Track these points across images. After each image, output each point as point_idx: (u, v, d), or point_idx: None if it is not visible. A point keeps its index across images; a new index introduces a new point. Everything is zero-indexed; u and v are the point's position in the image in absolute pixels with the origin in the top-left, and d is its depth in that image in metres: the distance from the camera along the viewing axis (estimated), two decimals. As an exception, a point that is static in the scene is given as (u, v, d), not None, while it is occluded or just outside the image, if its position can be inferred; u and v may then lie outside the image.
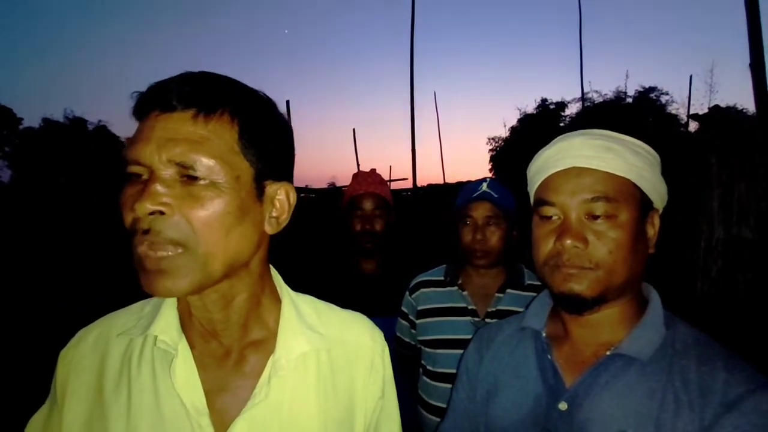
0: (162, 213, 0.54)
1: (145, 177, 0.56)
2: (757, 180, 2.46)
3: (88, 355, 0.66)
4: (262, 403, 0.63)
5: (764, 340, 2.34)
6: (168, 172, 0.55)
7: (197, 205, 0.56)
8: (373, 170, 1.95)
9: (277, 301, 0.73)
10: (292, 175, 0.71)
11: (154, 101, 0.57)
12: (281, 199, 0.66)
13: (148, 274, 0.55)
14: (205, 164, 0.56)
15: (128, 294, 0.75)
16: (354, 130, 12.85)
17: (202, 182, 0.56)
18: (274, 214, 0.66)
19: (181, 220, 0.55)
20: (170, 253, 0.55)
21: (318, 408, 0.68)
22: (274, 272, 0.75)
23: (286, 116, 0.69)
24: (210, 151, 0.56)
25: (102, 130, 18.94)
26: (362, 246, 1.80)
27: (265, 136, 0.63)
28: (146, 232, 0.54)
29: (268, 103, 0.65)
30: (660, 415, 0.66)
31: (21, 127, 20.12)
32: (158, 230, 0.54)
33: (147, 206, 0.53)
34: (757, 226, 2.45)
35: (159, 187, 0.54)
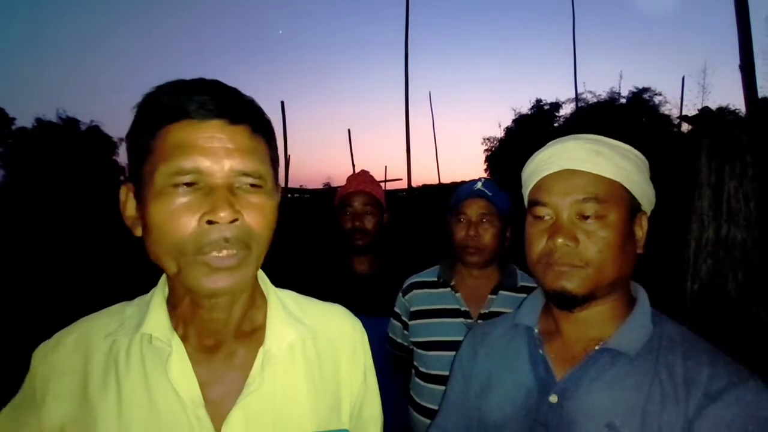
0: (236, 220, 0.59)
1: (199, 185, 0.59)
2: (747, 180, 2.49)
3: (68, 358, 0.66)
4: (256, 391, 0.66)
5: (753, 338, 2.37)
6: (233, 181, 0.61)
7: (259, 211, 0.62)
8: (364, 171, 1.97)
9: (263, 296, 0.76)
10: None
11: (216, 111, 0.60)
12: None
13: (215, 272, 0.59)
14: (261, 173, 0.63)
15: (124, 293, 0.76)
16: (349, 130, 12.88)
17: (260, 189, 0.63)
18: None
19: (248, 225, 0.61)
20: (240, 253, 0.60)
21: (308, 394, 0.71)
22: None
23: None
24: (264, 161, 0.65)
25: (95, 130, 18.83)
26: (353, 244, 1.81)
27: (275, 145, 0.71)
28: (227, 239, 0.59)
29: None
30: (647, 407, 0.69)
31: (13, 127, 19.93)
32: (236, 238, 0.59)
33: (227, 214, 0.57)
34: (746, 226, 2.48)
35: (230, 196, 0.59)
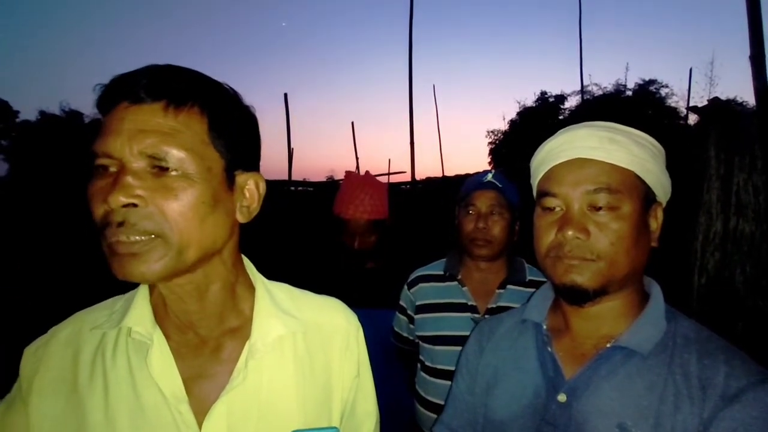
0: (135, 205, 0.55)
1: (114, 170, 0.57)
2: (756, 172, 2.46)
3: (58, 352, 0.66)
4: (239, 386, 0.64)
5: (760, 333, 2.35)
6: (139, 164, 0.56)
7: (171, 197, 0.57)
8: (361, 185, 1.73)
9: (251, 288, 0.74)
10: (259, 165, 0.72)
11: (122, 93, 0.57)
12: (251, 188, 0.69)
13: (121, 257, 0.55)
14: (176, 156, 0.57)
15: (127, 286, 0.74)
16: (353, 123, 12.83)
17: (173, 173, 0.57)
18: (245, 204, 0.68)
19: (155, 211, 0.56)
20: (144, 238, 0.56)
21: (296, 389, 0.69)
22: (246, 261, 0.77)
23: (252, 108, 0.70)
24: (181, 142, 0.57)
25: (98, 122, 18.78)
26: (358, 261, 1.74)
27: (233, 127, 0.64)
28: (121, 224, 0.55)
29: (234, 95, 0.67)
30: (660, 408, 0.66)
31: (17, 120, 19.98)
32: (133, 222, 0.55)
33: (120, 199, 0.54)
34: (755, 219, 2.45)
35: (131, 180, 0.55)
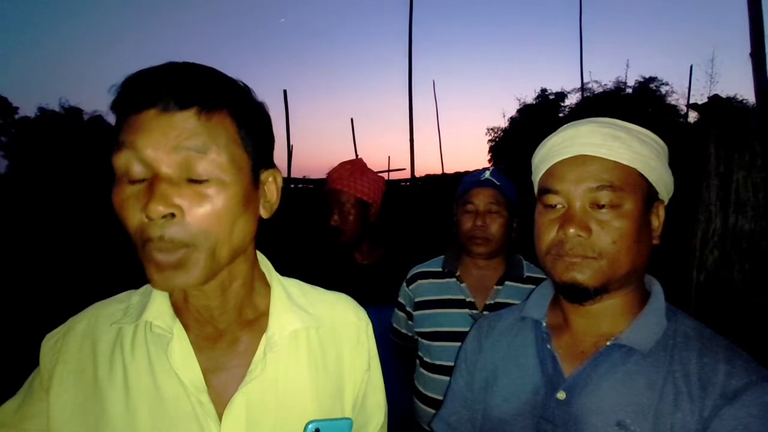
0: (173, 215, 0.55)
1: (143, 177, 0.56)
2: (756, 170, 2.46)
3: (76, 344, 0.67)
4: (258, 378, 0.66)
5: (759, 330, 2.35)
6: (173, 172, 0.56)
7: (207, 203, 0.57)
8: (347, 162, 1.82)
9: (266, 284, 0.76)
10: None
11: (149, 100, 0.56)
12: (271, 184, 0.70)
13: (162, 269, 0.56)
14: (211, 161, 0.57)
15: (125, 286, 0.75)
16: (352, 120, 12.80)
17: (208, 180, 0.57)
18: (267, 199, 0.69)
19: (192, 221, 0.56)
20: (183, 251, 0.56)
21: (311, 382, 0.71)
22: (261, 257, 0.78)
23: (265, 105, 0.70)
24: (215, 147, 0.58)
25: (97, 120, 18.77)
26: (336, 239, 1.78)
27: (256, 125, 0.65)
28: (160, 238, 0.55)
29: (251, 93, 0.67)
30: (659, 406, 0.66)
31: (17, 116, 19.91)
32: (171, 236, 0.55)
33: (159, 209, 0.53)
34: (754, 216, 2.45)
35: (167, 188, 0.55)
